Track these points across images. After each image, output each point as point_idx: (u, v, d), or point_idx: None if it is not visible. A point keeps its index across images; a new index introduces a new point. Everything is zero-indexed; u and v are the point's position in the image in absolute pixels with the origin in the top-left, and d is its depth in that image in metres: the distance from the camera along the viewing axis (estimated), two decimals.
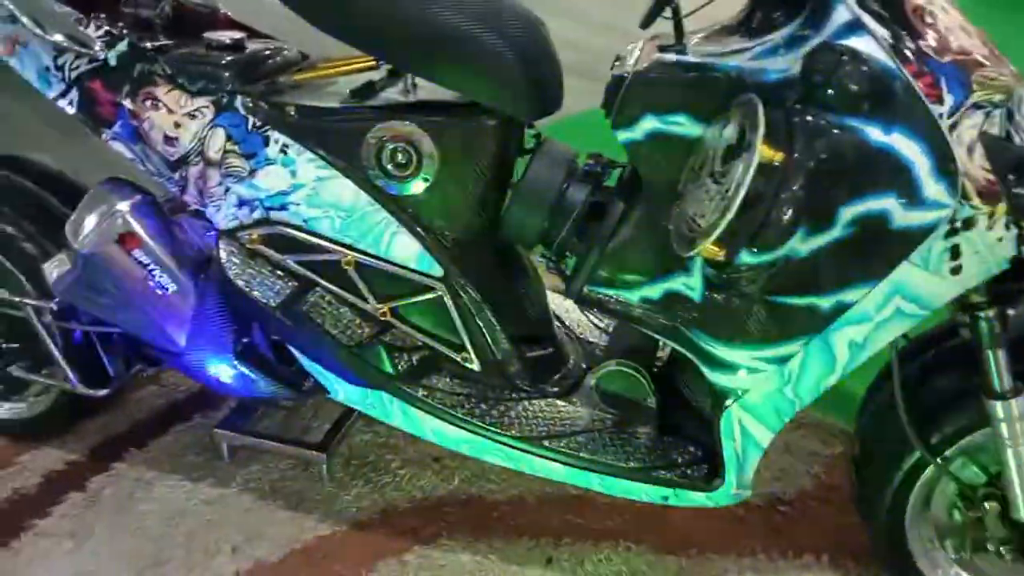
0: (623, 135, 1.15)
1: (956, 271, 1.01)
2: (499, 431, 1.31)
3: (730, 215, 0.94)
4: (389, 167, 1.28)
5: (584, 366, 1.43)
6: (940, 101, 0.96)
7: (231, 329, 1.41)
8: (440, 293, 1.32)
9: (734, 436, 1.20)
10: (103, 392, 1.52)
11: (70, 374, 1.50)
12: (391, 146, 1.27)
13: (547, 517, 1.53)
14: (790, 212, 0.94)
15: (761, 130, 0.93)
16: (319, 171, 1.29)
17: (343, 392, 1.38)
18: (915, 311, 1.05)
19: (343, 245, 1.32)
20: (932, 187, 0.97)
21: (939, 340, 1.25)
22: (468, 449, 1.35)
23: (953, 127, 0.96)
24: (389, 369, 1.34)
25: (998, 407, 1.10)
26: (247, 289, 1.34)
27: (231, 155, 1.29)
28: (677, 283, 1.18)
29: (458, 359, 1.35)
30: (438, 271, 1.32)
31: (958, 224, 0.99)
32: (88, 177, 1.50)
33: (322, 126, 1.28)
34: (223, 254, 1.34)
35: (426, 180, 1.29)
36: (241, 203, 1.32)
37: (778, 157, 0.93)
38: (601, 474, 1.29)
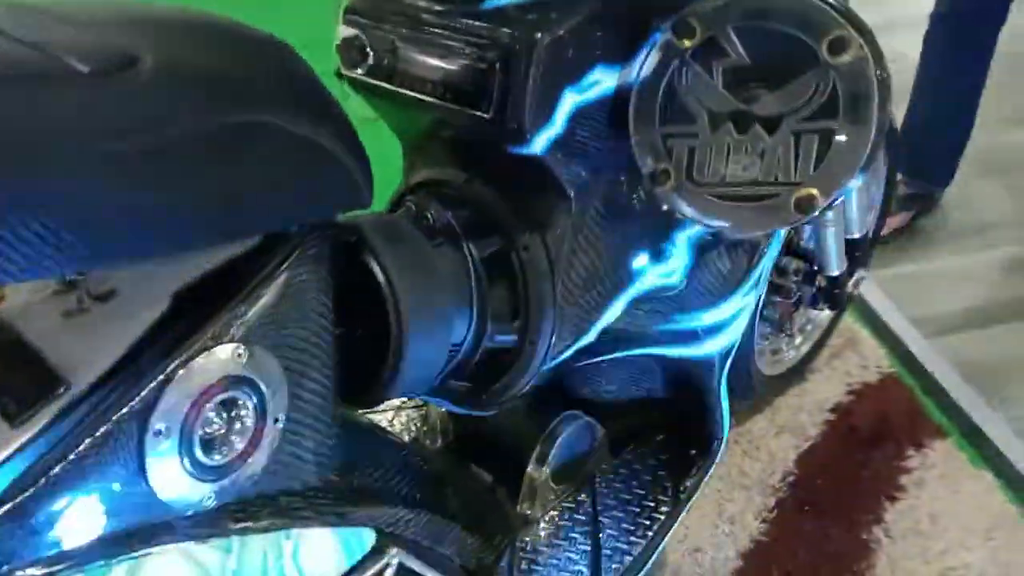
0: (540, 141, 0.70)
1: None
2: None
3: (872, 135, 0.67)
4: (216, 457, 0.54)
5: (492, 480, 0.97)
6: None
7: None
8: (391, 557, 0.69)
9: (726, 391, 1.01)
10: None
11: None
12: (204, 416, 0.53)
13: None
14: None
15: (842, 21, 0.66)
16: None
17: None
18: None
19: None
20: None
21: None
22: None
23: None
24: None
25: None
26: None
27: None
28: (650, 279, 0.84)
29: None
30: (369, 535, 0.67)
31: None
32: None
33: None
34: None
35: (277, 421, 0.59)
36: None
37: (865, 39, 0.67)
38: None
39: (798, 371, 1.49)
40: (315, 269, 0.61)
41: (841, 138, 0.67)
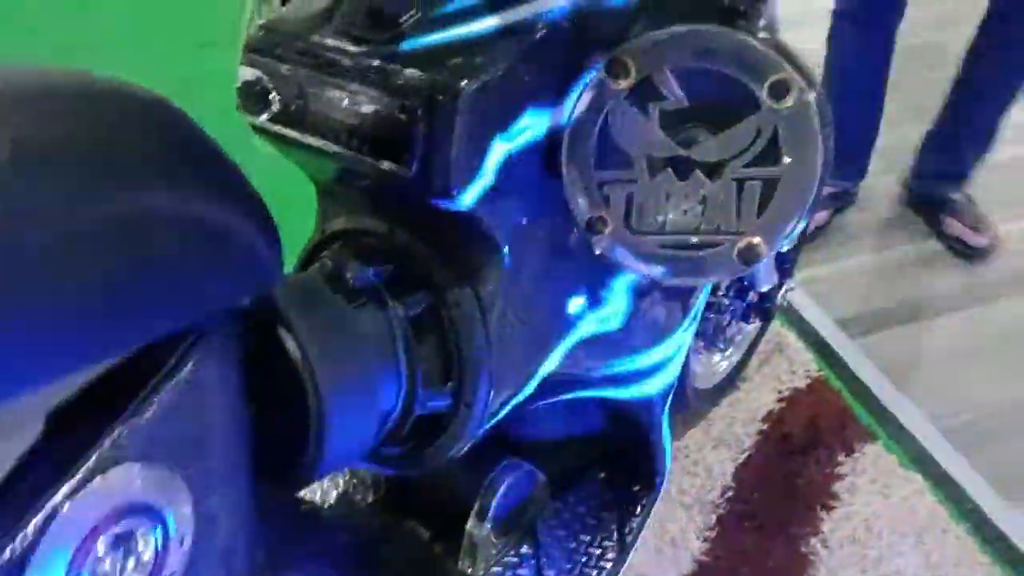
0: (469, 196, 0.64)
1: None
2: None
3: (817, 180, 0.64)
4: None
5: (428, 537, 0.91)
6: None
7: None
8: None
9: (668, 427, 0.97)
10: None
11: None
12: (94, 558, 0.45)
13: None
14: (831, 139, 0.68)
15: (783, 63, 0.62)
16: None
17: None
18: None
19: None
20: None
21: None
22: None
23: None
24: None
25: None
26: None
27: None
28: (588, 326, 0.80)
29: None
30: None
31: None
32: None
33: None
34: None
35: (183, 542, 0.51)
36: None
37: (806, 80, 0.64)
38: None
39: (731, 381, 1.48)
40: (220, 360, 0.54)
41: (785, 185, 0.63)
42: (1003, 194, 2.03)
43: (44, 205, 0.40)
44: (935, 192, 1.86)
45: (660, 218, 0.67)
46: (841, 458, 1.40)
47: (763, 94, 0.61)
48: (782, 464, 1.39)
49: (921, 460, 1.41)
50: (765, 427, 1.44)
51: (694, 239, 0.67)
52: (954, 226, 1.83)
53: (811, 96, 0.61)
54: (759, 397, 1.50)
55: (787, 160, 0.63)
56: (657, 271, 0.69)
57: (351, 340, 0.66)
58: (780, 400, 1.49)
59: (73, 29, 2.36)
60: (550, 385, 0.82)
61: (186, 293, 0.47)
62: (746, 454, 1.40)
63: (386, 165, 0.63)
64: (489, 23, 0.63)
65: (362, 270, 0.69)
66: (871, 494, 1.34)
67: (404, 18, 0.63)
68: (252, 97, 0.66)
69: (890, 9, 1.68)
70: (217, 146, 0.53)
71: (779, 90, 0.61)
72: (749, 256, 0.65)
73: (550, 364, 0.79)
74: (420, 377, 0.70)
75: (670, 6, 0.66)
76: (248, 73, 0.66)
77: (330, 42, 0.64)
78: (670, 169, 0.66)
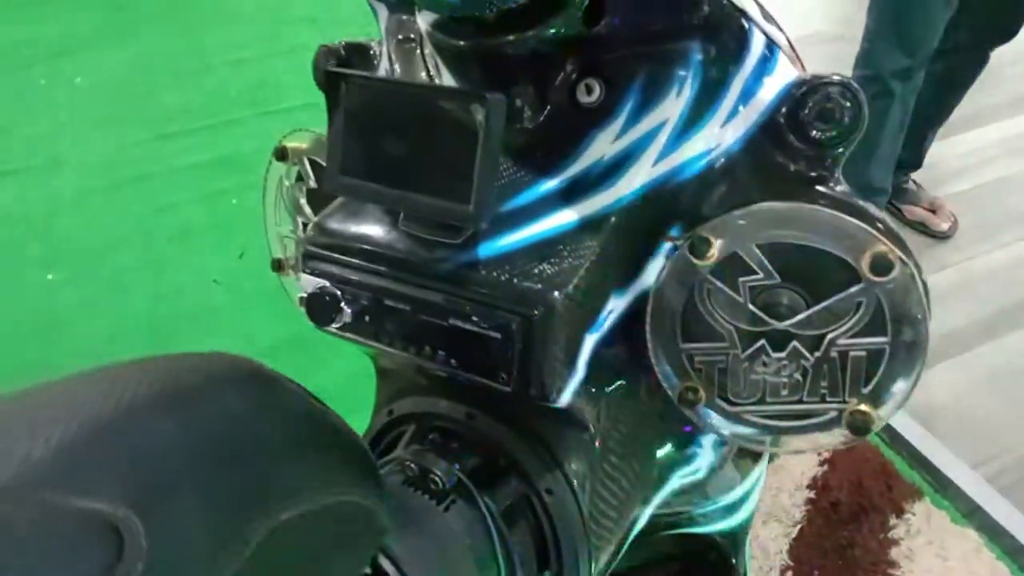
0: (565, 396, 0.61)
1: None
2: None
3: (926, 347, 0.61)
4: None
5: None
6: None
7: None
8: None
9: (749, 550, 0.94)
10: None
11: None
12: None
13: None
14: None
15: (880, 237, 0.59)
16: None
17: None
18: None
19: None
20: None
21: None
22: None
23: None
24: None
25: None
26: None
27: None
28: (675, 482, 0.77)
29: None
30: None
31: None
32: None
33: None
34: None
35: None
36: None
37: (904, 252, 0.61)
38: None
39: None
40: None
41: (893, 353, 0.60)
42: (1011, 214, 2.03)
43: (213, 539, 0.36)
44: (894, 181, 2.00)
45: (758, 388, 0.64)
46: (893, 521, 1.37)
47: (863, 268, 0.58)
48: (835, 534, 1.36)
49: (973, 514, 1.39)
50: (812, 495, 1.42)
51: (797, 409, 0.63)
52: (915, 212, 2.06)
53: (912, 266, 0.58)
54: (801, 463, 1.47)
55: (893, 331, 0.60)
56: (759, 440, 0.65)
57: (451, 551, 0.62)
58: (822, 463, 1.47)
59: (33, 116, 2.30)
60: (643, 537, 0.79)
61: None
62: (798, 527, 1.37)
63: (478, 379, 0.59)
64: (564, 218, 0.59)
65: (448, 469, 0.65)
66: (929, 557, 1.32)
67: None
68: (320, 308, 0.62)
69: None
70: (336, 418, 0.49)
71: (880, 265, 0.57)
72: (859, 426, 0.62)
73: (640, 525, 0.75)
74: (518, 570, 0.66)
75: (745, 174, 0.63)
76: (312, 283, 0.62)
77: (400, 246, 0.60)
78: (764, 341, 0.63)
